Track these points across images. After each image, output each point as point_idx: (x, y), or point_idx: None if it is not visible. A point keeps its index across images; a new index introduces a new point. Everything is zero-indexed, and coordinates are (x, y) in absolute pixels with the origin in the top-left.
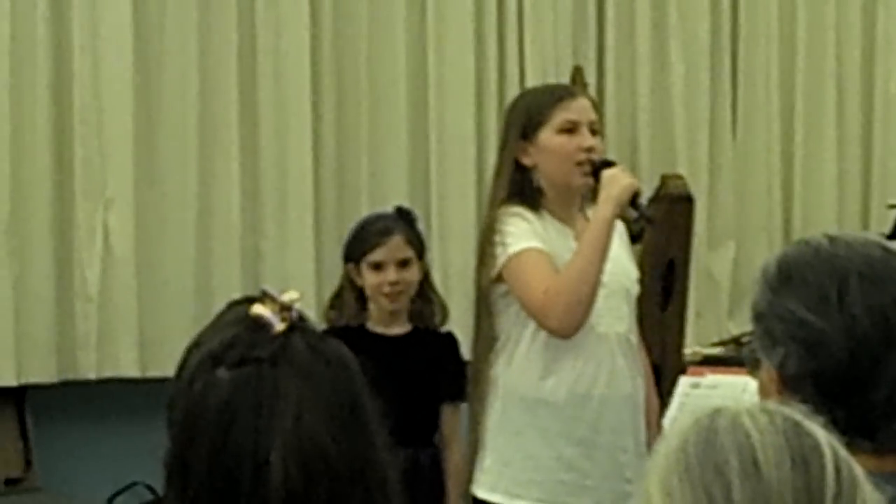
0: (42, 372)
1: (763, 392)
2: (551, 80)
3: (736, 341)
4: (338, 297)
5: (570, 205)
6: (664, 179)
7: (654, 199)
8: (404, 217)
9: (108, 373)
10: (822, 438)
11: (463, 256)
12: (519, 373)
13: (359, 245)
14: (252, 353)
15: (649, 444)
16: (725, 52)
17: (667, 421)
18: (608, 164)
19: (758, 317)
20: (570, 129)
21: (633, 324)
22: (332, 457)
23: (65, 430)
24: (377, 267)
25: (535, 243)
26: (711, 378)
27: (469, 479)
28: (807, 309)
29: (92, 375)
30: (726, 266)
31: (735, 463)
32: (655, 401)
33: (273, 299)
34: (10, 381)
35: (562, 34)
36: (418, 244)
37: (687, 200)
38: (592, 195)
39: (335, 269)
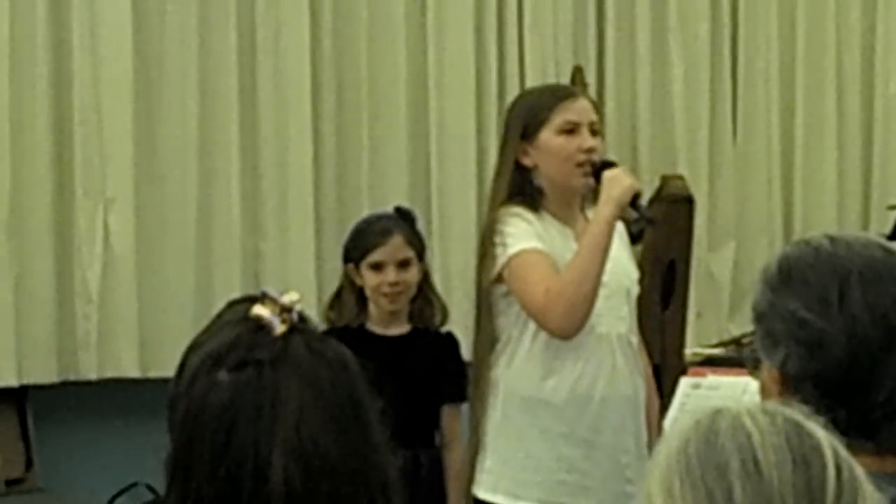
0: (43, 372)
1: (764, 392)
2: (551, 81)
3: (736, 342)
4: (337, 297)
5: (570, 205)
6: (664, 180)
7: (655, 200)
8: (404, 217)
9: (109, 373)
10: (823, 439)
11: (463, 257)
12: (520, 373)
13: (358, 245)
14: (253, 355)
15: (650, 445)
16: (725, 53)
17: (668, 422)
18: (609, 164)
19: (758, 317)
20: (571, 129)
21: (634, 324)
22: (333, 458)
23: (66, 430)
24: (377, 267)
25: (535, 244)
26: (712, 379)
27: (470, 480)
28: (807, 309)
29: (93, 376)
30: (727, 266)
31: (736, 464)
32: (656, 401)
33: (273, 300)
34: (11, 381)
35: (562, 34)
36: (418, 244)
37: (687, 201)
38: (593, 196)
39: (335, 270)
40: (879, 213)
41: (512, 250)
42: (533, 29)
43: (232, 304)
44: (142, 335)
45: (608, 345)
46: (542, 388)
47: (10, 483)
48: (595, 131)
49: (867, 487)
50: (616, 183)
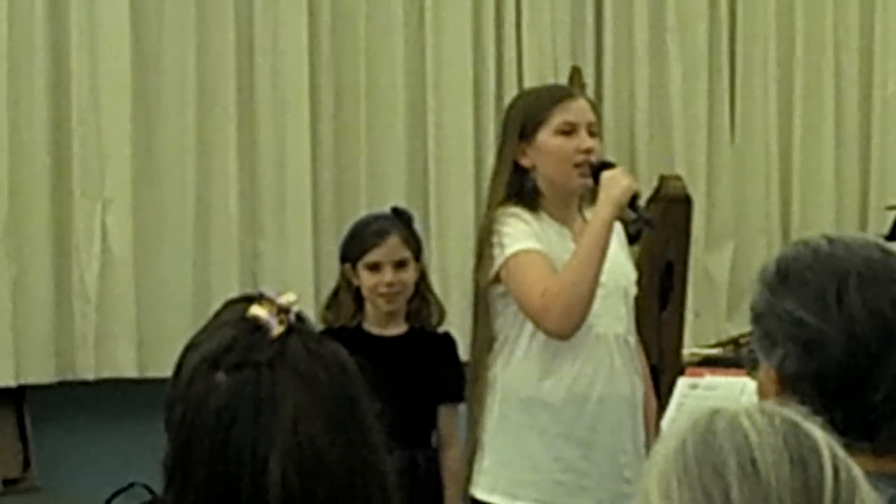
0: (40, 372)
1: (762, 393)
2: (549, 81)
3: (734, 342)
4: (334, 297)
5: (568, 206)
6: (662, 180)
7: (653, 200)
8: (401, 217)
9: (107, 373)
10: (820, 439)
11: (461, 257)
12: (517, 373)
13: (355, 246)
14: (250, 357)
15: (648, 445)
16: (723, 53)
17: (665, 422)
18: (607, 165)
19: (756, 317)
20: (569, 130)
21: (632, 325)
22: (331, 459)
23: (63, 430)
24: (373, 268)
25: (533, 244)
26: (710, 379)
27: (467, 480)
28: (805, 310)
29: (90, 376)
30: (724, 267)
31: (733, 464)
32: (654, 402)
33: (271, 301)
34: (9, 381)
35: (560, 35)
36: (415, 245)
37: (685, 201)
38: (591, 196)
39: (333, 270)
40: (877, 214)
41: (510, 251)
42: (531, 29)
43: (229, 304)
44: (140, 335)
45: (606, 345)
46: (540, 388)
47: (8, 483)
48: (593, 132)
49: (865, 488)
50: (614, 183)
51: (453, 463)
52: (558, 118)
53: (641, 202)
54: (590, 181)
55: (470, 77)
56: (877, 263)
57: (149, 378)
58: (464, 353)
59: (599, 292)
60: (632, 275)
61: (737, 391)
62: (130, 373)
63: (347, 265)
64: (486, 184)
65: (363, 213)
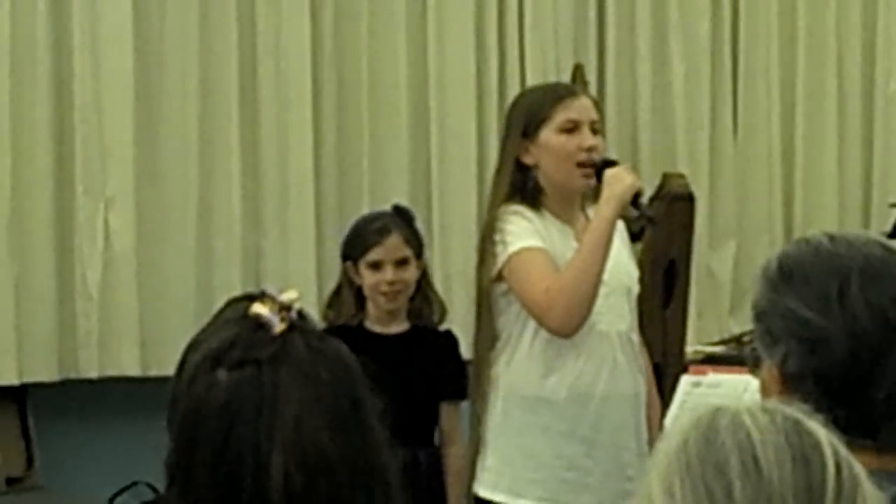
0: (43, 371)
1: (764, 391)
2: (552, 79)
3: (737, 340)
4: (336, 295)
5: (570, 204)
6: (665, 178)
7: (655, 198)
8: (402, 216)
9: (110, 371)
10: (822, 437)
11: (464, 255)
12: (520, 371)
13: (356, 244)
14: (252, 354)
15: (651, 443)
16: (726, 51)
17: (668, 419)
18: (610, 163)
19: (759, 315)
20: (571, 128)
21: (634, 322)
22: (333, 457)
23: (66, 428)
24: (375, 266)
25: (535, 242)
26: (713, 377)
27: (470, 478)
28: (808, 307)
29: (93, 374)
30: (727, 264)
31: (736, 462)
32: (657, 400)
33: (273, 299)
34: (12, 379)
35: (562, 33)
36: (416, 243)
37: (688, 199)
38: (594, 194)
39: (336, 268)
40: (880, 211)
41: (512, 248)
42: (533, 27)
43: (231, 303)
44: (142, 333)
45: (609, 343)
46: (543, 386)
47: (11, 481)
48: (596, 130)
49: (867, 486)
50: (617, 181)
51: (455, 461)
52: (561, 116)
53: (644, 200)
54: (592, 179)
55: (472, 75)
56: (879, 261)
57: (152, 376)
58: (466, 351)
59: (602, 290)
60: (634, 273)
61: (740, 389)
62: (133, 371)
63: (349, 263)
64: (488, 182)
65: (366, 211)
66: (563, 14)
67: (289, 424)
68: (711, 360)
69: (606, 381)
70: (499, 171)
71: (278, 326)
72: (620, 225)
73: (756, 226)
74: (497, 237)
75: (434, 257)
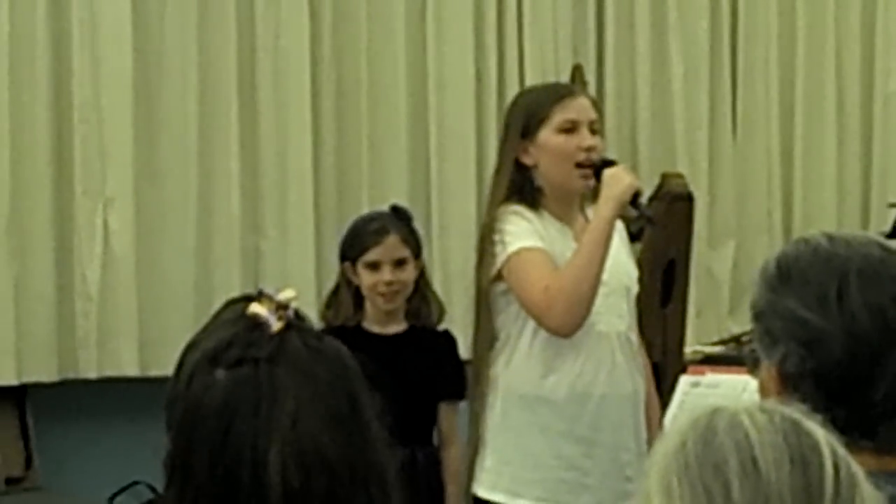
0: (43, 371)
1: (763, 391)
2: (551, 79)
3: (736, 340)
4: (334, 296)
5: (569, 204)
6: (664, 178)
7: (655, 198)
8: (400, 216)
9: (109, 372)
10: (821, 437)
11: (463, 255)
12: (519, 371)
13: (355, 245)
14: (249, 353)
15: (650, 443)
16: (725, 51)
17: (668, 420)
18: (609, 163)
19: (757, 316)
20: (570, 128)
21: (633, 322)
22: (331, 456)
23: (65, 429)
24: (373, 266)
25: (534, 242)
26: (712, 377)
27: (469, 478)
28: (806, 308)
29: (92, 374)
30: (726, 265)
31: (734, 462)
32: (656, 400)
33: (270, 298)
34: (11, 380)
35: (561, 33)
36: (414, 243)
37: (687, 199)
38: (593, 194)
39: (335, 268)
40: (879, 211)
41: (511, 248)
42: (532, 27)
43: (229, 304)
44: (142, 334)
45: (608, 343)
46: (542, 385)
47: (10, 482)
48: (595, 130)
49: (865, 486)
50: (616, 181)
51: (453, 461)
52: (560, 116)
53: (643, 200)
54: (591, 180)
55: (472, 75)
56: (877, 261)
57: (151, 377)
58: (465, 351)
59: (601, 290)
60: (634, 273)
61: (739, 389)
62: (132, 371)
63: (347, 264)
64: (487, 182)
65: (365, 211)
66: (562, 14)
67: (286, 423)
68: (710, 361)
69: (605, 381)
70: (498, 172)
71: (276, 325)
72: (620, 225)
73: (755, 226)
74: (496, 237)
75: (433, 257)
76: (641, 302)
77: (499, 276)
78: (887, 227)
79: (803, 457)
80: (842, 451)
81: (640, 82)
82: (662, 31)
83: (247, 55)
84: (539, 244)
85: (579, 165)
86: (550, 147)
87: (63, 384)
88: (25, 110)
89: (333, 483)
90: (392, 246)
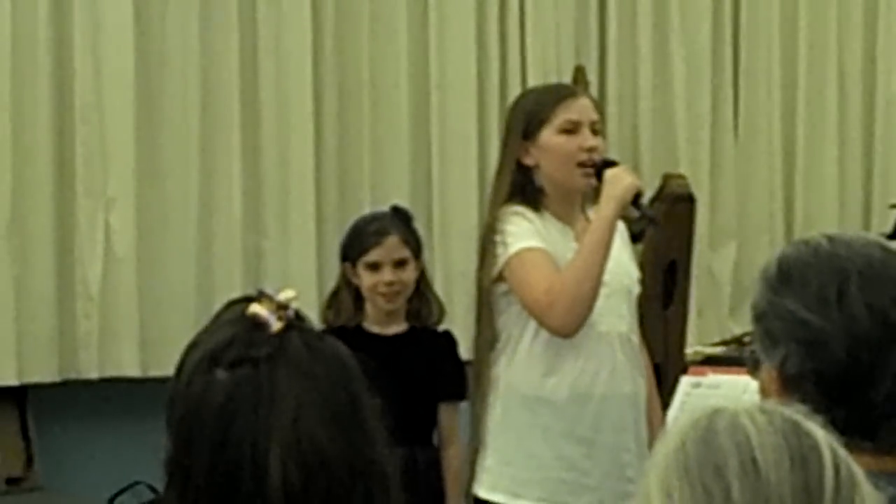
0: (43, 371)
1: (763, 392)
2: (553, 80)
3: (737, 341)
4: (334, 296)
5: (571, 205)
6: (666, 179)
7: (656, 199)
8: (400, 216)
9: (110, 372)
10: (820, 438)
11: (464, 256)
12: (520, 372)
13: (355, 245)
14: (249, 353)
15: (651, 444)
16: (727, 52)
17: (669, 420)
18: (610, 163)
19: (758, 317)
20: (572, 129)
21: (635, 323)
22: (331, 456)
23: (66, 429)
24: (373, 267)
25: (536, 243)
26: (713, 378)
27: (470, 479)
28: (807, 309)
29: (93, 375)
30: (728, 265)
31: (734, 463)
32: (657, 400)
33: (270, 298)
34: (12, 380)
35: (563, 33)
36: (414, 243)
37: (688, 200)
38: (594, 195)
39: (337, 269)
40: (881, 212)
41: (513, 249)
42: (535, 28)
43: (230, 305)
44: (142, 334)
45: (609, 343)
46: (543, 386)
47: (11, 482)
48: (596, 130)
49: (865, 487)
50: (617, 182)
51: (454, 461)
52: (561, 117)
53: (645, 200)
54: (593, 180)
55: (473, 76)
56: (878, 262)
57: (151, 377)
58: (467, 351)
59: (602, 291)
60: (635, 273)
61: (739, 390)
62: (133, 372)
63: (347, 264)
64: (489, 183)
65: (367, 211)
66: (564, 15)
67: (287, 423)
68: (711, 361)
69: (606, 382)
70: (499, 172)
71: (276, 325)
72: (621, 226)
73: (756, 227)
74: (498, 238)
75: (435, 258)
76: (642, 302)
77: (500, 277)
78: (888, 229)
79: (803, 457)
80: (842, 451)
81: (642, 83)
82: (664, 33)
83: (248, 55)
84: (540, 245)
85: (581, 166)
86: (552, 148)
87: (64, 384)
88: (27, 110)
89: (334, 483)
90: (392, 246)
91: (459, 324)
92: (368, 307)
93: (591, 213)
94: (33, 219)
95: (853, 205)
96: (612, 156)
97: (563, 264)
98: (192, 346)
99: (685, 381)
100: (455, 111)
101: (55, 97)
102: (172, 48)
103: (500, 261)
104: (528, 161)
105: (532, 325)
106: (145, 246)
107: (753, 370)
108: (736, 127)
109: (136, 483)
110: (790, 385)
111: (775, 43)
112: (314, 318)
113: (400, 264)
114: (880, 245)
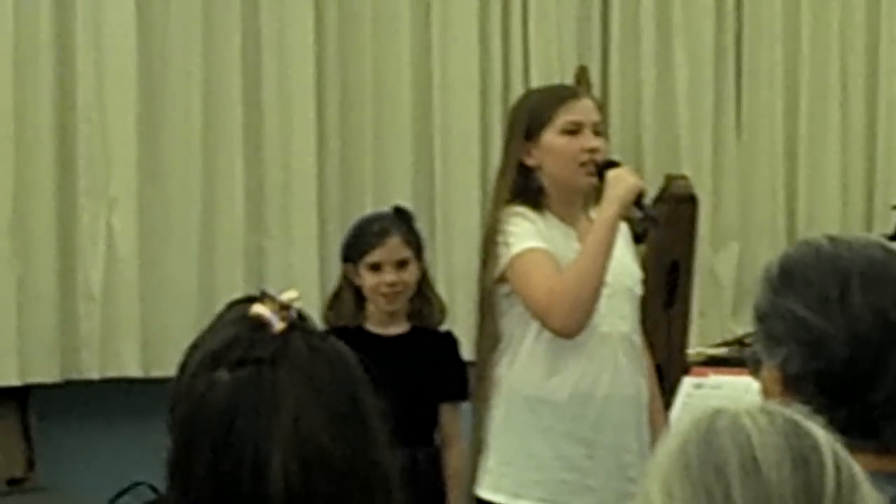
0: (45, 371)
1: (765, 392)
2: (556, 81)
3: (739, 342)
4: (336, 297)
5: (573, 205)
6: (668, 180)
7: (658, 200)
8: (402, 217)
9: (112, 372)
10: (821, 439)
11: (467, 256)
12: (522, 373)
13: (356, 246)
14: (252, 354)
15: (653, 445)
16: (730, 53)
17: (672, 421)
18: (612, 164)
19: (760, 317)
20: (574, 129)
21: (637, 324)
22: (333, 456)
23: (68, 429)
24: (375, 268)
25: (538, 243)
26: (715, 378)
27: (472, 479)
28: (808, 309)
29: (95, 375)
30: (730, 266)
31: (735, 463)
32: (659, 401)
33: (272, 299)
34: (14, 380)
35: (566, 34)
36: (416, 244)
37: (691, 201)
38: (597, 196)
39: (339, 269)
40: (883, 213)
41: (515, 250)
42: (537, 29)
43: (232, 305)
44: (144, 335)
45: (611, 344)
46: (545, 387)
47: (12, 482)
48: (598, 131)
49: (866, 487)
50: (620, 182)
51: (455, 461)
52: (563, 118)
53: (647, 201)
54: (595, 180)
55: (476, 76)
56: (879, 263)
57: (153, 378)
58: (469, 352)
59: (604, 291)
60: (637, 274)
61: (741, 390)
62: (135, 372)
63: (349, 265)
64: (491, 183)
65: (369, 211)
66: (566, 16)
67: (288, 423)
68: (713, 362)
69: (608, 383)
70: (501, 173)
71: (278, 326)
72: (624, 227)
73: (759, 227)
74: (500, 239)
75: (437, 259)
76: (645, 303)
77: (502, 278)
78: (890, 230)
79: (804, 458)
80: (843, 452)
81: (645, 84)
82: (667, 34)
83: (251, 55)
84: (542, 245)
85: (583, 167)
86: (554, 149)
87: (66, 385)
88: (29, 110)
89: (335, 483)
90: (394, 247)
91: (461, 324)
92: (370, 307)
93: (594, 213)
94: (35, 218)
95: (855, 206)
96: (615, 156)
97: (565, 265)
98: (194, 347)
99: (687, 382)
100: (458, 111)
101: (57, 96)
102: (175, 47)
103: (503, 261)
104: (531, 162)
105: (534, 325)
106: (147, 246)
107: (755, 370)
108: (738, 128)
109: (138, 483)
110: (791, 385)
111: (778, 44)
112: (316, 318)
113: (402, 265)
114: (882, 246)
